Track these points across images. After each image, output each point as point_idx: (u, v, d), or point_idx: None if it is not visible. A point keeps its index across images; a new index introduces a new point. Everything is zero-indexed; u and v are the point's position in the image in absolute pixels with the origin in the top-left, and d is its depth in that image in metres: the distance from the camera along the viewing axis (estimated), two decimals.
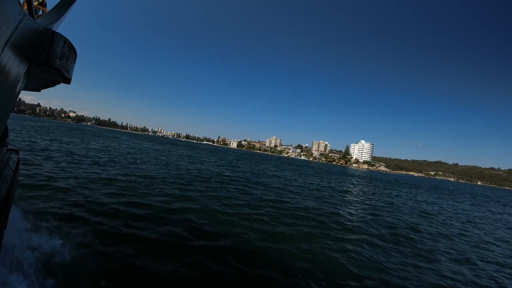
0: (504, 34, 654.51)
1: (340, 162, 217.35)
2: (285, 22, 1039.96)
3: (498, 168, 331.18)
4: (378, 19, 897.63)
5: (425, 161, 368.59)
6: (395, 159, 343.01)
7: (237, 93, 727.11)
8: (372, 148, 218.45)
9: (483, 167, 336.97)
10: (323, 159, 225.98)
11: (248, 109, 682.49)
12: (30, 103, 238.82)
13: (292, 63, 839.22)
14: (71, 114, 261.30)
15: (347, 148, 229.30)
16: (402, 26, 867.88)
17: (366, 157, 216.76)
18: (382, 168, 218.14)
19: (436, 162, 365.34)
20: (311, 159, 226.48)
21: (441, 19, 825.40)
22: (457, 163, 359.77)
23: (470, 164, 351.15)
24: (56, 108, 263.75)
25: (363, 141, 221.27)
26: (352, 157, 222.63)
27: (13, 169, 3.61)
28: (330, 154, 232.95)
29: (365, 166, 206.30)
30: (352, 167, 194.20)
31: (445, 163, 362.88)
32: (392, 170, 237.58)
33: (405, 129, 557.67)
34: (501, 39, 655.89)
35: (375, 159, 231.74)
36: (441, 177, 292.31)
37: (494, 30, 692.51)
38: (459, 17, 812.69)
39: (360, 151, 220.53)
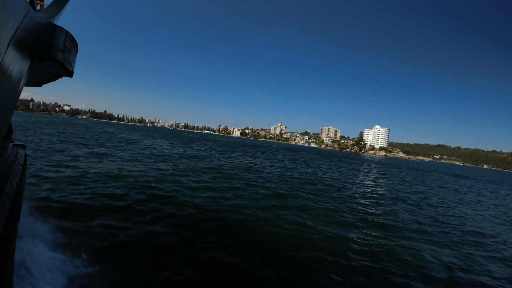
0: (507, 15, 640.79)
1: (354, 149, 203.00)
2: (287, 6, 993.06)
3: (501, 151, 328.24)
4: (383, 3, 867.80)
5: (427, 144, 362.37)
6: (398, 143, 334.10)
7: (234, 79, 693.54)
8: (388, 133, 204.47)
9: (486, 150, 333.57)
10: (335, 146, 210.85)
11: (247, 96, 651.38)
12: (24, 99, 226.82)
13: (291, 47, 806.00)
14: (66, 108, 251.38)
15: (361, 134, 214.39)
16: (401, 7, 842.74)
17: (382, 143, 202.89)
18: (400, 154, 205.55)
19: (438, 145, 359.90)
20: (322, 146, 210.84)
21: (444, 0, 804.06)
22: (459, 146, 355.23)
23: (472, 147, 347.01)
24: (50, 103, 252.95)
25: (378, 126, 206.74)
26: (367, 143, 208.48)
27: (22, 164, 3.65)
28: (342, 141, 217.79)
29: (382, 153, 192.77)
30: (368, 154, 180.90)
31: (447, 146, 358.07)
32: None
33: (402, 113, 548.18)
34: (504, 20, 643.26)
35: (390, 145, 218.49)
36: (447, 161, 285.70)
37: (498, 12, 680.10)
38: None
39: (375, 136, 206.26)
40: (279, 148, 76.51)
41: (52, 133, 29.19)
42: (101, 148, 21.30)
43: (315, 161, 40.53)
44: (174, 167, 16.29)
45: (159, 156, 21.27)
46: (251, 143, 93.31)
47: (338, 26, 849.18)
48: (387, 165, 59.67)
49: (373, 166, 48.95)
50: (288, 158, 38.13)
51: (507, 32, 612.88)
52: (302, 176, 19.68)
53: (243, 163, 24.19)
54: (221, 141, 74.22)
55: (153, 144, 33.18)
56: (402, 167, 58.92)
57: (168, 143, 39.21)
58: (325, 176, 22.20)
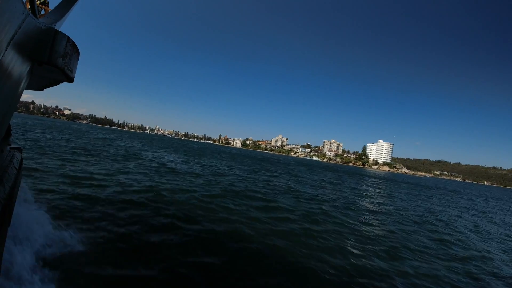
0: (506, 32, 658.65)
1: (357, 164, 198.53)
2: (289, 20, 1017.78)
3: (501, 167, 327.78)
4: (379, 19, 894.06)
5: (427, 160, 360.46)
6: (398, 158, 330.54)
7: (236, 90, 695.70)
8: (392, 148, 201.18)
9: (486, 167, 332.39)
10: (338, 160, 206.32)
11: (248, 107, 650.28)
12: (25, 101, 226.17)
13: (295, 62, 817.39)
14: (66, 112, 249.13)
15: (364, 148, 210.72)
16: (402, 25, 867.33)
17: (386, 158, 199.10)
18: (404, 170, 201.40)
19: (438, 161, 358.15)
20: (325, 160, 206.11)
21: (444, 18, 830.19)
22: (459, 162, 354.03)
23: (471, 163, 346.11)
24: (51, 106, 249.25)
25: (381, 141, 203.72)
26: (370, 158, 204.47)
27: (17, 168, 3.65)
28: (345, 155, 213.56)
29: (386, 168, 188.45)
30: (371, 169, 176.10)
31: (447, 162, 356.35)
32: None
33: (402, 128, 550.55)
34: (503, 37, 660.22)
35: (392, 160, 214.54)
36: (448, 177, 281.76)
37: (496, 28, 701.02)
38: (461, 15, 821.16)
39: (379, 151, 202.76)
40: (289, 162, 71.76)
41: (36, 138, 23.70)
42: (93, 167, 15.90)
43: (350, 182, 35.47)
44: (209, 196, 10.97)
45: (178, 182, 15.91)
46: (259, 156, 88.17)
47: (339, 41, 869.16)
48: (417, 185, 54.67)
49: (417, 189, 43.90)
50: (322, 179, 33.02)
51: (507, 48, 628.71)
52: (390, 209, 14.43)
53: (284, 185, 19.06)
54: (228, 153, 69.15)
55: (162, 158, 27.83)
56: (432, 187, 54.04)
57: (176, 156, 33.93)
58: (416, 210, 16.97)
